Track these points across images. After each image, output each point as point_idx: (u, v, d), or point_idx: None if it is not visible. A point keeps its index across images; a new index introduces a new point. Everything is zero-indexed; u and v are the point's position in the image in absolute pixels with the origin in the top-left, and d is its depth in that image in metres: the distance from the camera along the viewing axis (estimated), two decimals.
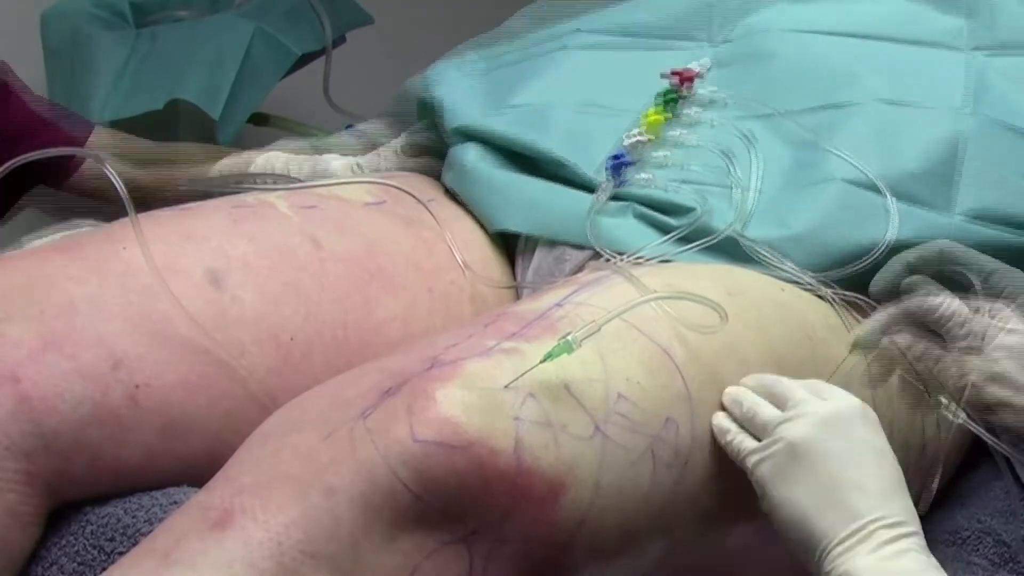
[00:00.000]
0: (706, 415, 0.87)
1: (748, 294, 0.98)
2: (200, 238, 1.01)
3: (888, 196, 1.05)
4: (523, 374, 0.80)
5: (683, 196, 1.07)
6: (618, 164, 1.10)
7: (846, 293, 1.02)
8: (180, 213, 1.06)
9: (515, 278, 1.15)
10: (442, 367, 0.81)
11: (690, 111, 1.15)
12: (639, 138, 1.12)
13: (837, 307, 1.01)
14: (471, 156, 1.19)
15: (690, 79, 1.17)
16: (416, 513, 0.76)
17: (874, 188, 1.07)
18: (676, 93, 1.16)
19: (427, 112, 1.28)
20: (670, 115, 1.14)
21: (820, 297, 1.02)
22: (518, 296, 1.13)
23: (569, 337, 0.81)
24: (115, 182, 1.05)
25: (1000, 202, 1.09)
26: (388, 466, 0.76)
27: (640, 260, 1.03)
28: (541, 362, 0.80)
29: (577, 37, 1.29)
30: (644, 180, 1.09)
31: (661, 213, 1.08)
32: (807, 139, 1.10)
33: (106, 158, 1.10)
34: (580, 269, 1.08)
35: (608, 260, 1.02)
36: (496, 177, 1.17)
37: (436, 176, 1.24)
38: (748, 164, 1.09)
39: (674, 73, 1.17)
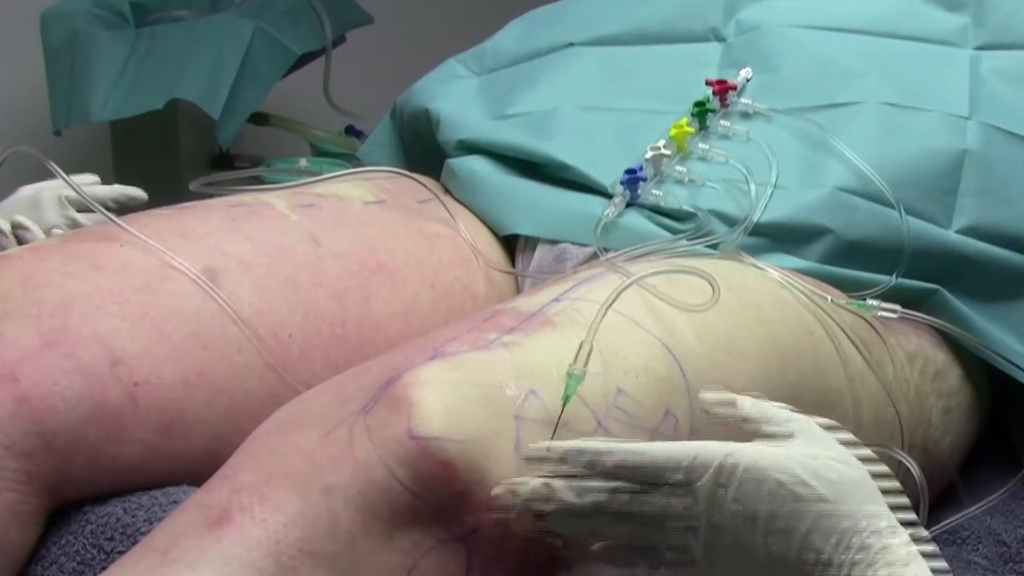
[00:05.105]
0: None
1: (748, 290, 0.98)
2: (197, 236, 1.01)
3: (901, 211, 1.05)
4: (554, 433, 0.79)
5: (691, 207, 1.07)
6: (633, 179, 1.09)
7: (847, 307, 1.02)
8: (178, 212, 1.06)
9: (515, 276, 1.15)
10: (443, 359, 0.80)
11: (722, 124, 1.14)
12: (662, 151, 1.11)
13: (836, 311, 1.01)
14: (476, 167, 1.19)
15: (725, 91, 1.15)
16: (414, 511, 0.76)
17: (866, 196, 1.06)
18: (707, 105, 1.14)
19: (421, 124, 1.28)
20: (693, 130, 1.13)
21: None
22: (519, 290, 1.13)
23: (575, 371, 0.80)
24: (68, 182, 1.04)
25: (999, 218, 1.09)
26: (385, 464, 0.76)
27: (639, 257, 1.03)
28: (564, 406, 0.79)
29: (571, 51, 1.28)
30: (656, 197, 1.09)
31: (669, 218, 1.08)
32: (822, 142, 1.10)
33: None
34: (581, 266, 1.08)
35: (608, 259, 1.02)
36: (503, 183, 1.17)
37: (434, 175, 1.24)
38: (767, 175, 1.08)
39: (708, 82, 1.16)
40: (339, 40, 1.98)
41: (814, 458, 0.75)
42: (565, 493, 0.76)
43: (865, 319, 1.03)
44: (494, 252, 1.16)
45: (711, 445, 0.75)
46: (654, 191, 1.09)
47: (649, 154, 1.11)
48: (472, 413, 0.77)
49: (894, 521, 0.74)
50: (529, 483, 0.76)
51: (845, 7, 1.24)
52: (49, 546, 0.92)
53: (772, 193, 1.07)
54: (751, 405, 0.80)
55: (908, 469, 0.94)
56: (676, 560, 0.77)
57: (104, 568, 0.84)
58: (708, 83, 1.16)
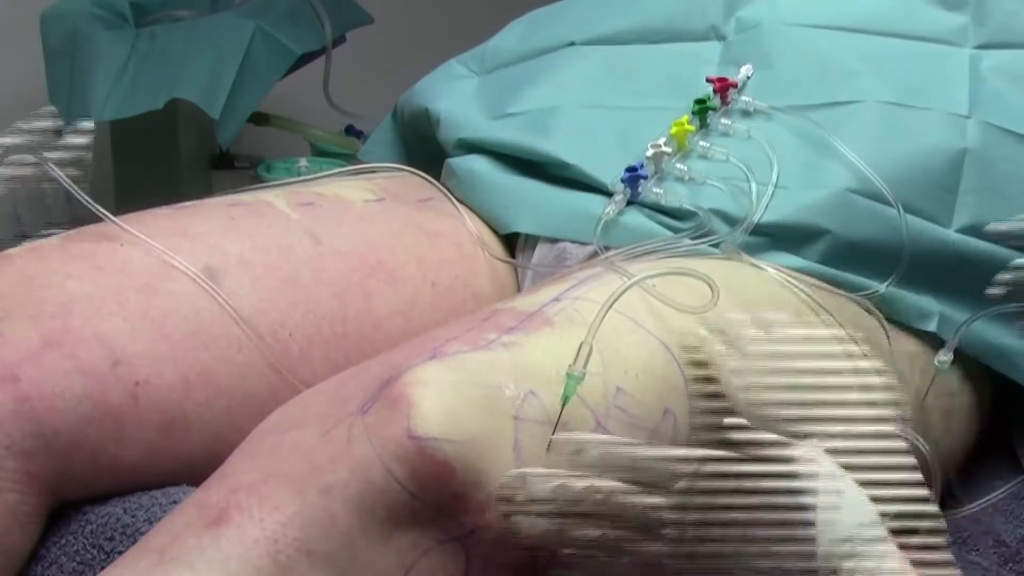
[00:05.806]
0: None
1: (747, 290, 0.98)
2: (197, 235, 1.01)
3: (900, 210, 1.05)
4: (553, 433, 0.79)
5: (692, 206, 1.07)
6: (633, 177, 1.09)
7: (850, 295, 1.02)
8: (177, 211, 1.06)
9: (516, 275, 1.15)
10: (442, 359, 0.80)
11: (723, 122, 1.14)
12: (663, 149, 1.11)
13: (837, 311, 1.01)
14: (476, 165, 1.19)
15: (726, 89, 1.15)
16: (412, 511, 0.76)
17: (866, 195, 1.07)
18: (708, 103, 1.14)
19: (421, 124, 1.28)
20: (693, 128, 1.13)
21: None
22: (519, 282, 1.13)
23: (574, 372, 0.80)
24: (67, 184, 1.04)
25: (999, 216, 1.09)
26: (383, 464, 0.76)
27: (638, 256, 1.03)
28: (563, 406, 0.80)
29: (571, 50, 1.28)
30: (657, 195, 1.09)
31: (669, 217, 1.08)
32: (822, 141, 1.10)
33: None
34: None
35: (606, 257, 1.02)
36: (503, 182, 1.17)
37: (435, 176, 1.24)
38: (768, 175, 1.09)
39: (709, 80, 1.15)
40: (339, 40, 1.98)
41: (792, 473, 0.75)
42: (537, 486, 0.76)
43: (865, 311, 1.03)
44: (495, 251, 1.16)
45: (695, 450, 0.76)
46: (655, 189, 1.09)
47: (650, 152, 1.11)
48: (471, 414, 0.77)
49: (878, 531, 0.74)
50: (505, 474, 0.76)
51: (845, 6, 1.24)
52: (49, 546, 0.92)
53: (773, 193, 1.07)
54: (736, 431, 0.81)
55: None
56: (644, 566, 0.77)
57: (104, 568, 0.84)
58: (709, 80, 1.16)
